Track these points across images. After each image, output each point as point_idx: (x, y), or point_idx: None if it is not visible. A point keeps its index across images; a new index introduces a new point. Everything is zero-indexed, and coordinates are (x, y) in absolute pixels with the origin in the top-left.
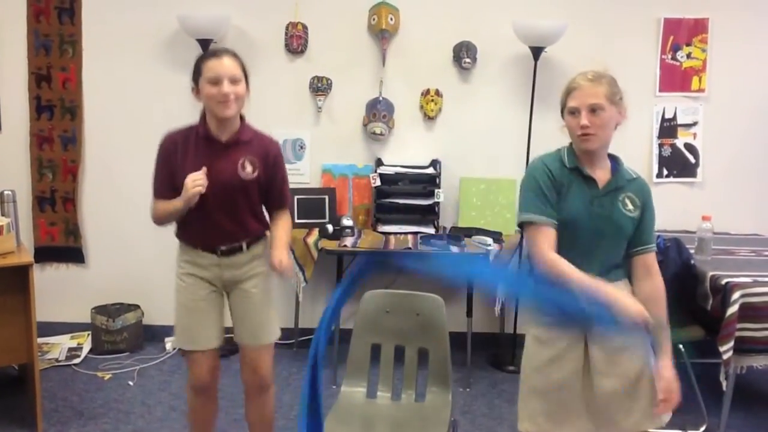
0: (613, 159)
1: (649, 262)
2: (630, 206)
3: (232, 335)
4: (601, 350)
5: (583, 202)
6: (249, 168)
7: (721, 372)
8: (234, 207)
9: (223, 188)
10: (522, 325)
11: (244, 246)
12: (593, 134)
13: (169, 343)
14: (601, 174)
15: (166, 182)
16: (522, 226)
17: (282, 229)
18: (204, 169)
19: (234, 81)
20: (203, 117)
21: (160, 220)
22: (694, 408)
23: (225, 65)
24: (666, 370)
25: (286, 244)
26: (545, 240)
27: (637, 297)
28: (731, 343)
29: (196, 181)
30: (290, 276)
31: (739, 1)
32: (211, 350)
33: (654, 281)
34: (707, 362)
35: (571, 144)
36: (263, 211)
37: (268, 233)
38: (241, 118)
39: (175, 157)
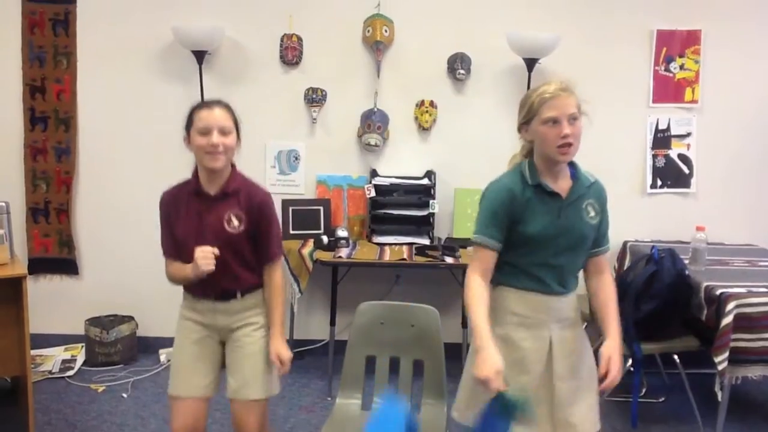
0: (571, 165)
1: (601, 261)
2: (592, 213)
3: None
4: (562, 352)
5: (549, 217)
6: (235, 222)
7: (716, 382)
8: (224, 262)
9: (210, 243)
10: None
11: (239, 294)
12: (572, 144)
13: (163, 355)
14: (563, 183)
15: (170, 240)
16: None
17: (274, 303)
18: (216, 250)
19: (224, 132)
20: (195, 170)
21: (172, 282)
22: (689, 418)
23: (215, 116)
24: (608, 349)
25: (281, 327)
26: (481, 263)
27: (588, 292)
28: (726, 354)
29: (206, 259)
30: (287, 371)
31: (731, 12)
32: (194, 399)
33: (603, 278)
34: (702, 373)
35: (531, 159)
36: (256, 263)
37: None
38: (232, 166)
39: (173, 214)
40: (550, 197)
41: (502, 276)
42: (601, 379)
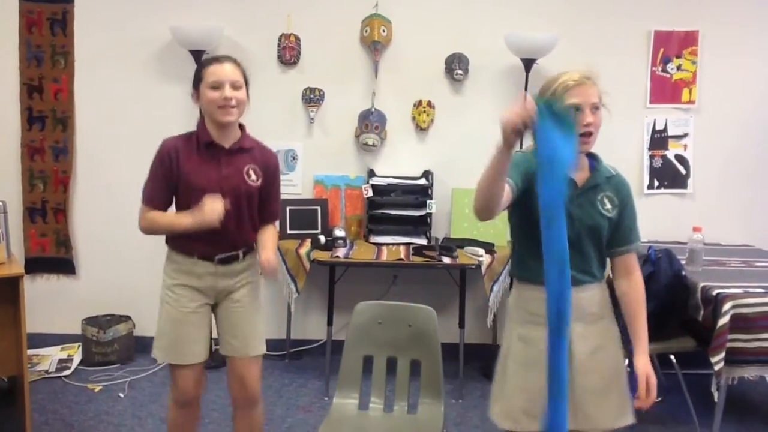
0: (592, 157)
1: (629, 261)
2: (608, 205)
3: (218, 347)
4: (583, 348)
5: None
6: (254, 176)
7: (712, 383)
8: (239, 213)
9: (229, 194)
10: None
11: (241, 255)
12: (593, 133)
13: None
14: (580, 174)
15: (163, 190)
16: None
17: (270, 234)
18: (227, 201)
19: (235, 86)
20: (202, 124)
21: (153, 230)
22: (686, 419)
23: (227, 70)
24: (645, 367)
25: (274, 247)
26: None
27: (617, 294)
28: (722, 354)
29: (215, 211)
30: (276, 276)
31: (728, 14)
32: (198, 365)
33: (633, 279)
34: (699, 373)
35: None
36: (256, 221)
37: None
38: (241, 127)
39: (176, 163)
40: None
41: (521, 270)
42: (636, 396)
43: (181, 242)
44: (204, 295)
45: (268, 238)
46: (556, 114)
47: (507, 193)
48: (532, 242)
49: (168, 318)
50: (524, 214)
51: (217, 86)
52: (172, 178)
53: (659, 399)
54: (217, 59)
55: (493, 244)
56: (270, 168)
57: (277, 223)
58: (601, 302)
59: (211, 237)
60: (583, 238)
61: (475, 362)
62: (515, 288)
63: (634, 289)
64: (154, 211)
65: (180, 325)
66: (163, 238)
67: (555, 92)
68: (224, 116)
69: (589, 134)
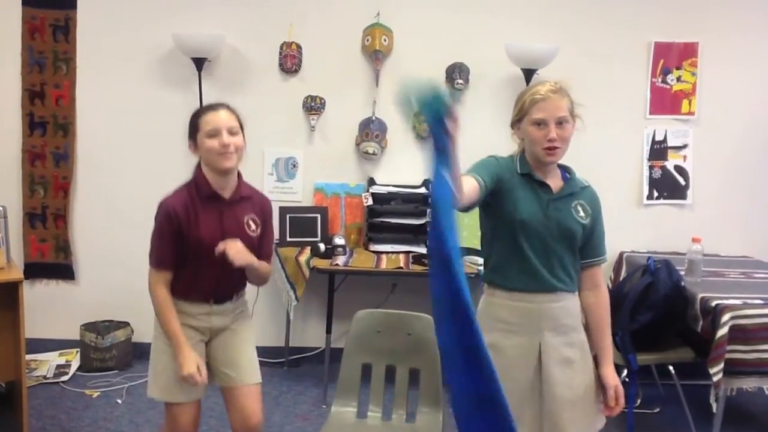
0: (565, 169)
1: (596, 273)
2: (582, 213)
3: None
4: (554, 359)
5: (538, 205)
6: (253, 226)
7: (711, 394)
8: (234, 265)
9: None
10: None
11: (234, 296)
12: (559, 147)
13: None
14: (554, 181)
15: (172, 251)
16: None
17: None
18: (204, 372)
19: (232, 132)
20: (200, 175)
21: (155, 306)
22: (684, 430)
23: (222, 117)
24: (613, 377)
25: (258, 265)
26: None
27: (583, 305)
28: (721, 365)
29: (239, 253)
30: (237, 259)
31: (728, 25)
32: (195, 403)
33: (600, 292)
34: (697, 384)
35: (522, 153)
36: None
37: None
38: (238, 174)
39: (181, 222)
40: (540, 188)
41: (492, 274)
42: (605, 404)
43: (179, 289)
44: (198, 332)
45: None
46: (428, 104)
47: (476, 189)
48: (502, 249)
49: (164, 355)
50: (493, 223)
51: (214, 134)
52: (180, 237)
53: (657, 410)
54: (211, 107)
55: None
56: (266, 215)
57: (271, 264)
58: (574, 314)
59: (211, 283)
60: (558, 243)
61: None
62: (485, 295)
63: (601, 301)
64: (163, 277)
65: (175, 362)
66: None
67: (524, 105)
68: (224, 162)
69: (555, 147)
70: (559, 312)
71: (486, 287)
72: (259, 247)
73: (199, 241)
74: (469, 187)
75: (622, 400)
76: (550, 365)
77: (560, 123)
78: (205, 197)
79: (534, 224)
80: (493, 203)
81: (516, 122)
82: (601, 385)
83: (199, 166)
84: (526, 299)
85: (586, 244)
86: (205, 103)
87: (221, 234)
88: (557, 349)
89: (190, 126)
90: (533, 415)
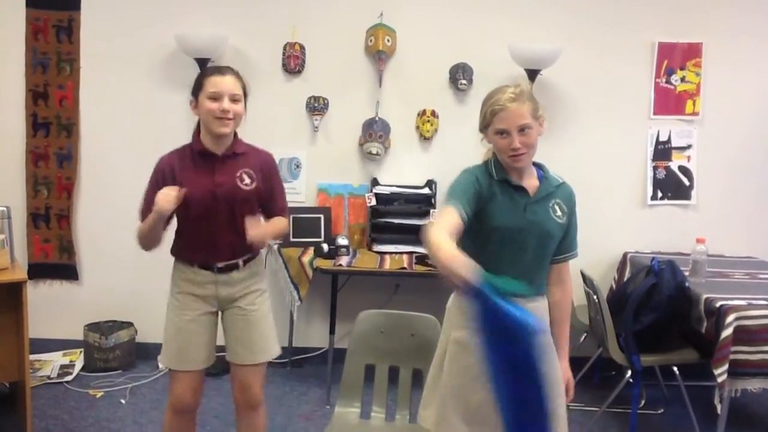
0: (539, 167)
1: (564, 269)
2: (559, 212)
3: (224, 354)
4: None
5: (515, 210)
6: (247, 180)
7: (715, 395)
8: (235, 219)
9: (224, 201)
10: None
11: (241, 263)
12: (524, 153)
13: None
14: (530, 183)
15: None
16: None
17: (275, 219)
18: (180, 188)
19: (234, 99)
20: (197, 133)
21: (143, 240)
22: (688, 431)
23: (227, 82)
24: (567, 371)
25: (274, 229)
26: (445, 217)
27: (549, 301)
28: (726, 366)
29: (167, 196)
30: (261, 246)
31: (732, 26)
32: (196, 372)
33: (566, 288)
34: (702, 385)
35: (495, 157)
36: None
37: (263, 251)
38: (235, 134)
39: (171, 178)
40: (517, 192)
41: None
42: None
43: (182, 251)
44: (206, 303)
45: (272, 221)
46: (502, 292)
47: (458, 226)
48: (478, 256)
49: (170, 324)
50: (470, 234)
51: (216, 97)
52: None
53: (661, 411)
54: (219, 70)
55: None
56: (265, 168)
57: (287, 217)
58: (543, 314)
59: (210, 245)
60: (537, 246)
61: None
62: (455, 294)
63: (566, 297)
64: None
65: (180, 332)
66: (167, 246)
67: (486, 115)
68: (220, 127)
69: (520, 154)
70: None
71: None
72: (269, 203)
73: (189, 196)
74: (453, 226)
75: (571, 393)
76: None
77: (522, 130)
78: (198, 153)
79: (511, 230)
80: (470, 222)
81: (483, 129)
82: None
83: (198, 125)
84: None
85: (561, 240)
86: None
87: (211, 188)
88: None
89: (195, 83)
90: (497, 418)
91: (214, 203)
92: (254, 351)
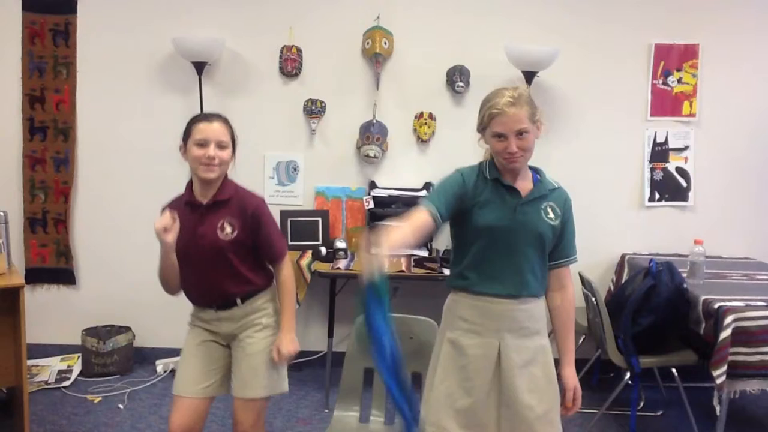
0: (535, 170)
1: (564, 274)
2: (551, 215)
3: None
4: (514, 360)
5: (506, 211)
6: (228, 229)
7: (714, 396)
8: (218, 269)
9: (206, 252)
10: None
11: (239, 301)
12: (521, 156)
13: (159, 366)
14: (523, 184)
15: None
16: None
17: (282, 300)
18: (176, 219)
19: (221, 146)
20: (190, 183)
21: (160, 279)
22: None
23: (214, 129)
24: (573, 378)
25: (289, 322)
26: (412, 216)
27: (550, 306)
28: (724, 368)
29: (161, 222)
30: (289, 362)
31: (728, 27)
32: (192, 399)
33: (566, 293)
34: (700, 386)
35: (491, 158)
36: (258, 266)
37: (273, 283)
38: (225, 177)
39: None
40: (508, 192)
41: (457, 279)
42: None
43: (186, 293)
44: (214, 335)
45: (284, 306)
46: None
47: (428, 225)
48: (468, 256)
49: (184, 348)
50: (460, 232)
51: (202, 144)
52: None
53: (660, 413)
54: (206, 117)
55: None
56: (248, 214)
57: (286, 261)
58: (538, 317)
59: (201, 291)
60: (528, 246)
61: None
62: (451, 295)
63: (567, 303)
64: None
65: (185, 356)
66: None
67: (484, 118)
68: (205, 173)
69: (515, 158)
70: (522, 315)
71: (452, 290)
72: (262, 249)
73: (177, 247)
74: (417, 226)
75: (579, 402)
76: (509, 368)
77: (520, 134)
78: (186, 204)
79: (500, 229)
80: (457, 218)
81: (480, 130)
82: (560, 386)
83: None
84: (491, 302)
85: (557, 245)
86: (205, 107)
87: (194, 240)
88: (518, 352)
89: (185, 130)
90: (494, 416)
91: (198, 253)
92: (244, 385)
